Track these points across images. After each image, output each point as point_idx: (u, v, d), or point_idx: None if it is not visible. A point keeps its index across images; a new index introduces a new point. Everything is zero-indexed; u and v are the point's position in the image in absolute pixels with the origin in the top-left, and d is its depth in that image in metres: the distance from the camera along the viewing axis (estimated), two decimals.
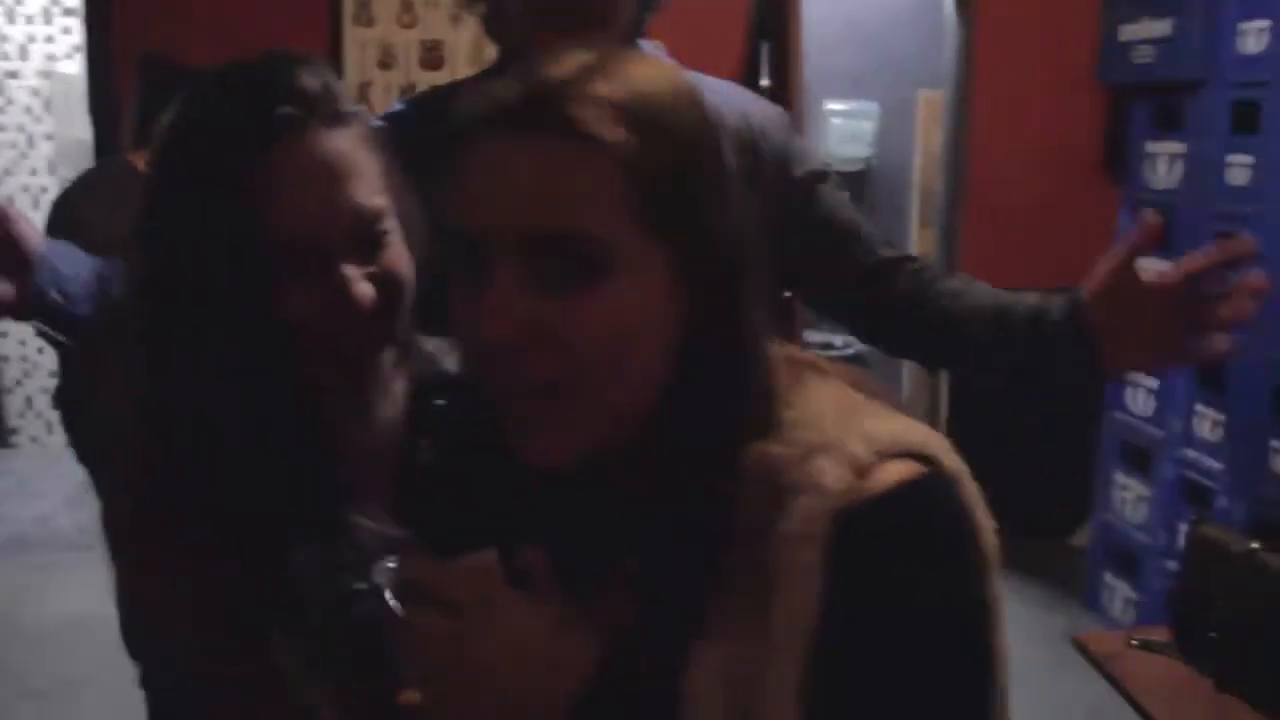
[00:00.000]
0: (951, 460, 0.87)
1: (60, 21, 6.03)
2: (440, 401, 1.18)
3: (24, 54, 6.02)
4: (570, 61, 0.84)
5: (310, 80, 1.03)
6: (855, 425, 0.86)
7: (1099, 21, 4.05)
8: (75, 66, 5.68)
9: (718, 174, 0.88)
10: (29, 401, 6.14)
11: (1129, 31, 3.84)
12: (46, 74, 6.02)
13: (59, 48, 6.04)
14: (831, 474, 0.82)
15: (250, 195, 1.00)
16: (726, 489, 0.85)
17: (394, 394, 1.19)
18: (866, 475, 0.83)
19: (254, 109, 1.01)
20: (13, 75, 6.00)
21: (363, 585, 1.08)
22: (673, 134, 0.84)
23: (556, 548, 0.89)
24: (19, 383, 6.14)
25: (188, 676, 1.09)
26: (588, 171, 0.81)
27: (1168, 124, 3.67)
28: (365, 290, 1.04)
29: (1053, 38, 4.42)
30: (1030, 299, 1.51)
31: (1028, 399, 3.82)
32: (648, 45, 1.69)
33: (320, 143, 1.03)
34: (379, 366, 1.11)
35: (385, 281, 1.07)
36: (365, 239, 1.06)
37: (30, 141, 6.05)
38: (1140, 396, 3.84)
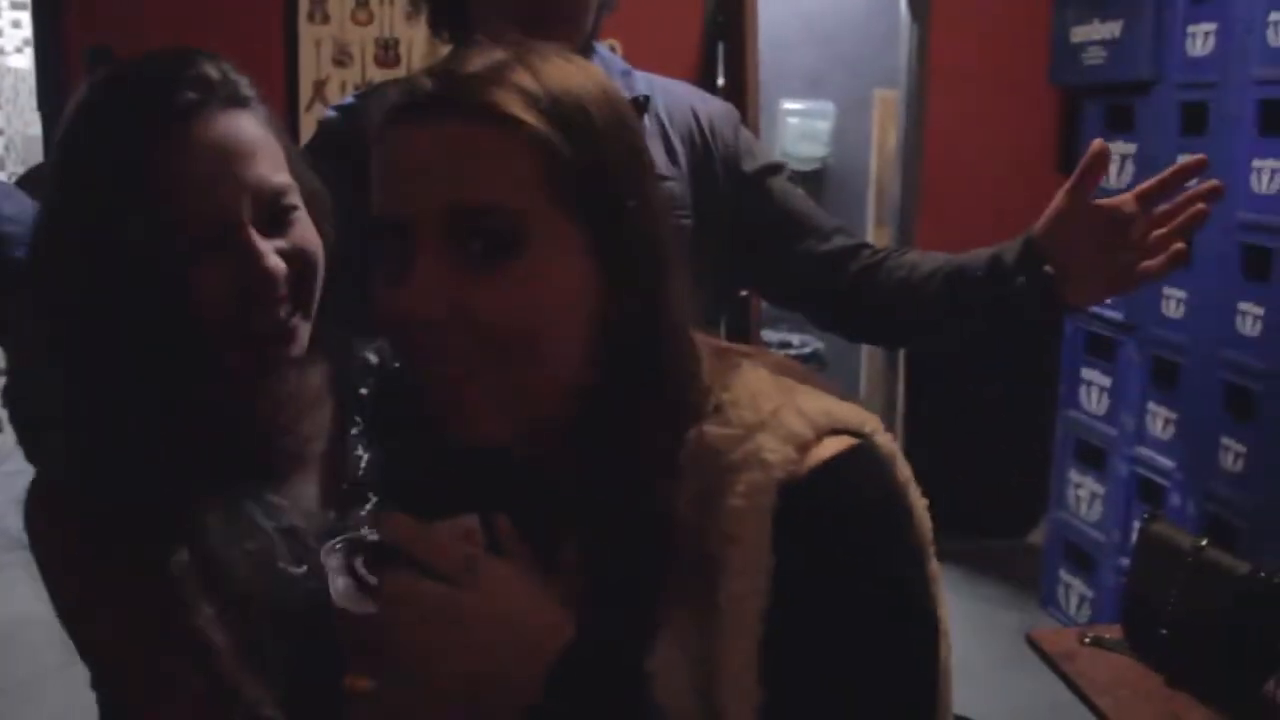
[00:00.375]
0: (884, 439, 0.90)
1: (9, 15, 5.95)
2: (363, 390, 1.21)
3: None
4: (487, 56, 0.88)
5: (210, 68, 1.06)
6: (791, 403, 0.88)
7: (1051, 23, 4.09)
8: (25, 60, 5.60)
9: (636, 167, 0.90)
10: None
11: (1080, 33, 3.87)
12: None
13: (9, 41, 5.97)
14: (773, 449, 0.85)
15: (154, 176, 1.01)
16: (665, 470, 0.87)
17: (313, 379, 1.19)
18: (807, 450, 0.85)
19: (155, 93, 1.03)
20: None
21: (299, 570, 1.07)
22: (588, 123, 0.87)
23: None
24: None
25: (119, 674, 1.06)
26: (502, 149, 0.84)
27: (1119, 125, 3.71)
28: (276, 263, 1.05)
29: (1006, 39, 4.45)
30: (986, 250, 1.52)
31: (991, 356, 3.81)
32: (601, 46, 1.69)
33: (221, 122, 1.04)
34: (294, 346, 1.10)
35: (295, 256, 1.07)
36: (272, 214, 1.06)
37: None
38: (1094, 394, 3.88)
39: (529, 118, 0.84)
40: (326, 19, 4.16)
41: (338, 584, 0.87)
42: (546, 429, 0.90)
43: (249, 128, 1.07)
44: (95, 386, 1.05)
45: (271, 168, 1.07)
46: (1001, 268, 1.47)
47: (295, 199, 1.09)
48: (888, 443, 0.90)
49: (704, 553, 0.85)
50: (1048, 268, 1.42)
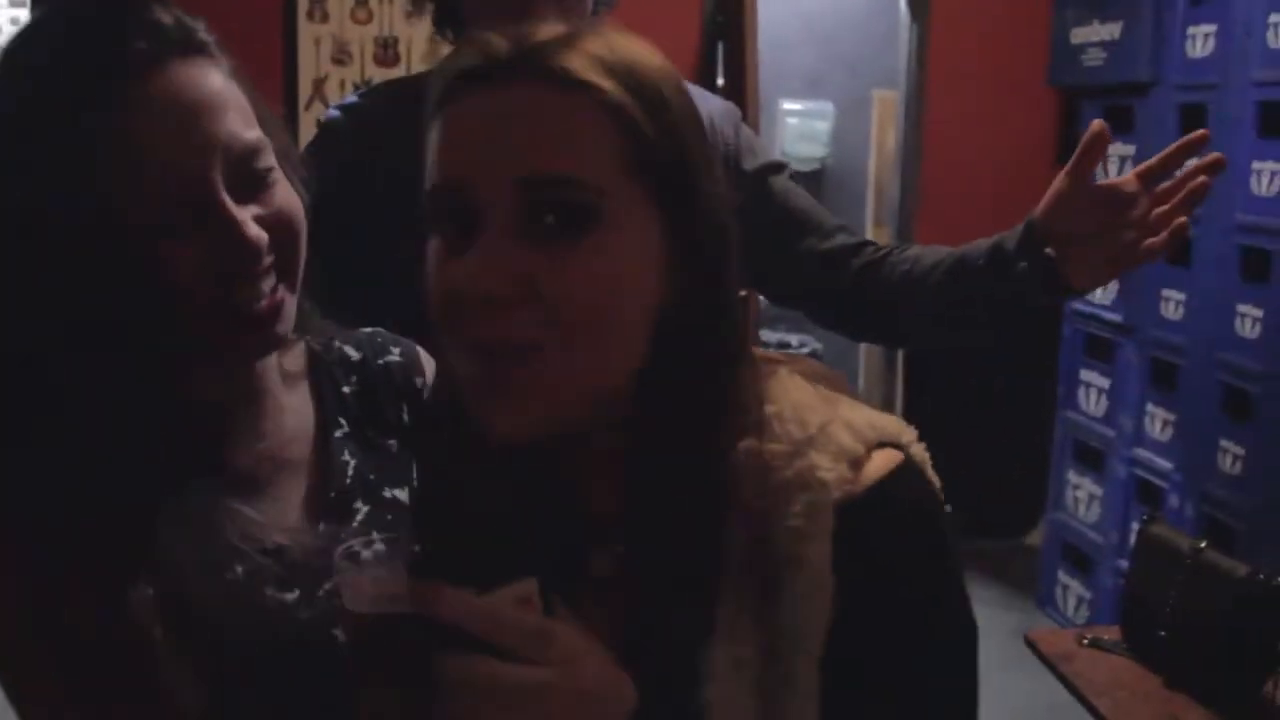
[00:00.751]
0: (918, 448, 0.89)
1: (9, 12, 5.94)
2: (345, 388, 1.11)
3: None
4: (558, 25, 0.83)
5: (161, 12, 0.92)
6: (837, 416, 0.86)
7: (1050, 24, 4.09)
8: None
9: (705, 145, 0.86)
10: None
11: (1080, 35, 3.87)
12: None
13: (7, 38, 5.95)
14: (827, 468, 0.83)
15: (107, 144, 0.87)
16: (717, 475, 0.84)
17: (292, 368, 1.08)
18: (859, 467, 0.84)
19: (105, 45, 0.88)
20: None
21: (289, 596, 0.95)
22: (662, 96, 0.82)
23: (533, 557, 0.84)
24: None
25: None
26: (581, 117, 0.79)
27: (1118, 126, 3.71)
28: (258, 233, 0.91)
29: (1006, 40, 4.45)
30: (988, 239, 1.52)
31: (992, 352, 3.81)
32: None
33: (182, 76, 0.90)
34: (281, 324, 0.96)
35: (276, 222, 0.94)
36: (247, 176, 0.93)
37: None
38: (1092, 396, 3.88)
39: (607, 84, 0.79)
40: (326, 17, 4.16)
41: (350, 588, 0.79)
42: (593, 423, 0.84)
43: (213, 79, 0.93)
44: (58, 384, 0.91)
45: (243, 124, 0.93)
46: (1003, 254, 1.47)
47: (270, 158, 0.96)
48: (921, 452, 0.89)
49: (758, 573, 0.82)
50: (1049, 250, 1.42)
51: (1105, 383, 3.81)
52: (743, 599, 0.82)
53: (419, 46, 4.17)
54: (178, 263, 0.89)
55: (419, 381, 1.16)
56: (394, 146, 1.48)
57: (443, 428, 0.90)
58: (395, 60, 4.20)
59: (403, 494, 1.09)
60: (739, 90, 3.84)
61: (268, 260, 0.93)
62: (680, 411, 0.84)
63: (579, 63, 0.80)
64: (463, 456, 0.89)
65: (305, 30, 4.15)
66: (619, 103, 0.80)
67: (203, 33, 0.95)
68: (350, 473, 1.07)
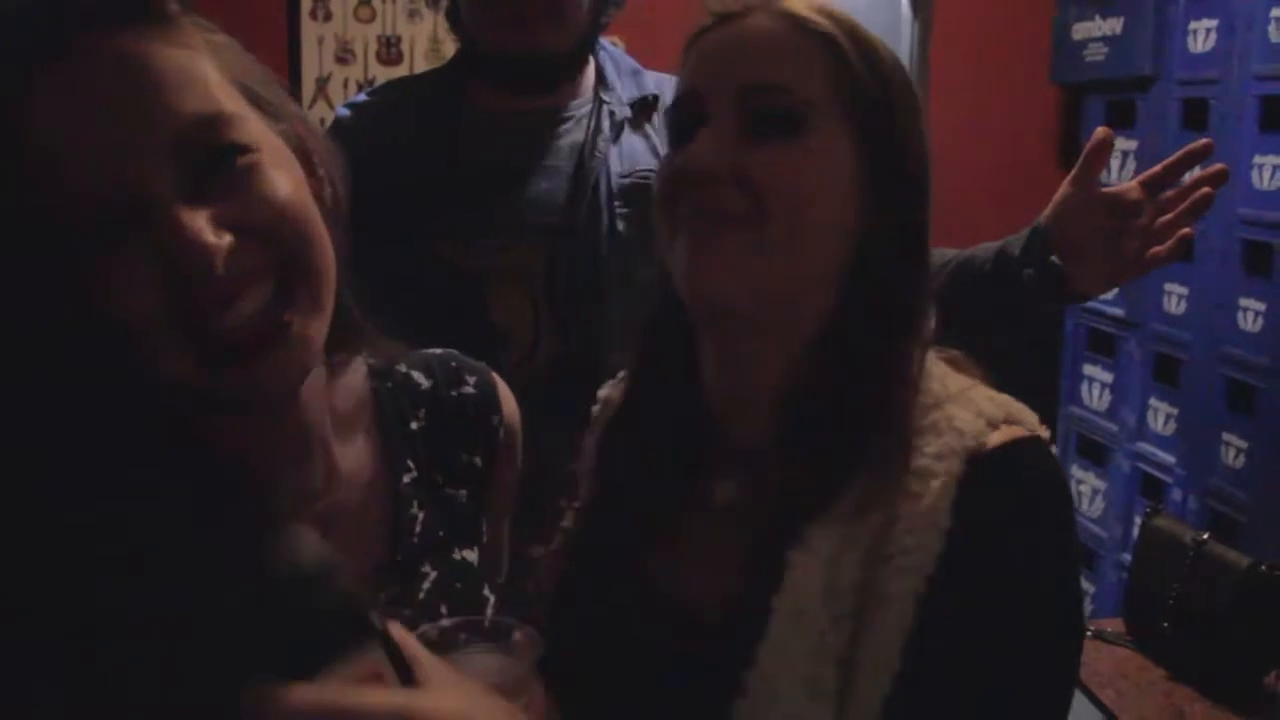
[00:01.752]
0: (1045, 438, 0.94)
1: None
2: (415, 424, 0.97)
3: None
4: None
5: None
6: (978, 387, 0.95)
7: (1052, 20, 4.09)
8: None
9: (913, 98, 1.01)
10: None
11: (1081, 30, 3.88)
12: None
13: None
14: (965, 420, 0.89)
15: (25, 132, 0.70)
16: (883, 420, 0.90)
17: (353, 406, 0.92)
18: (994, 428, 0.89)
19: (28, 9, 0.72)
20: None
21: None
22: (874, 48, 0.99)
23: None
24: None
25: None
26: (797, 43, 0.96)
27: (1120, 122, 3.71)
28: (212, 242, 0.70)
29: (1008, 36, 4.45)
30: (993, 244, 1.54)
31: (997, 348, 3.80)
32: (610, 45, 1.69)
33: (125, 47, 0.73)
34: (299, 351, 0.77)
35: (259, 219, 0.75)
36: (206, 163, 0.74)
37: None
38: (1095, 390, 3.89)
39: (825, 22, 0.96)
40: (329, 16, 4.16)
41: (486, 663, 0.68)
42: (784, 327, 0.95)
43: (167, 51, 0.75)
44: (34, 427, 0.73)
45: (197, 98, 0.75)
46: (1009, 260, 1.49)
47: (241, 133, 0.77)
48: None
49: (880, 503, 0.85)
50: (1055, 258, 1.43)
51: (1108, 377, 3.82)
52: (858, 516, 0.86)
53: (421, 45, 4.18)
54: (116, 281, 0.72)
55: (495, 420, 1.01)
56: (403, 144, 1.50)
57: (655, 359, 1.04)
58: (398, 59, 4.20)
59: (472, 555, 0.95)
60: None
61: (246, 269, 0.74)
62: (875, 322, 0.94)
63: (803, 6, 0.98)
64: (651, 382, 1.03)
65: (308, 29, 4.16)
66: (832, 35, 0.97)
67: None
68: (418, 528, 0.92)
